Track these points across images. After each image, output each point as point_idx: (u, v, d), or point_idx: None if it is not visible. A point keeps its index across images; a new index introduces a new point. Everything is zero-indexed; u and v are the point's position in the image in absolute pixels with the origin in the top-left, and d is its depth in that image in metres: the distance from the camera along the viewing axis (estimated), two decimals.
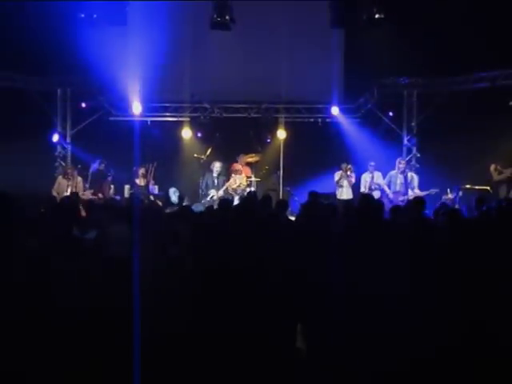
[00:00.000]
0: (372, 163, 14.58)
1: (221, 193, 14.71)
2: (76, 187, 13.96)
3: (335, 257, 4.89)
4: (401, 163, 14.11)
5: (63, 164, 16.16)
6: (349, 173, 14.53)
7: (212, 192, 14.83)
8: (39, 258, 4.17)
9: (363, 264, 4.63)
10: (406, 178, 13.82)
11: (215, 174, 15.06)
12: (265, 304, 4.61)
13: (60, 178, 14.31)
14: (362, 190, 14.48)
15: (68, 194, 13.54)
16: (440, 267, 4.62)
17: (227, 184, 14.94)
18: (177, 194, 12.27)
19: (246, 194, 13.95)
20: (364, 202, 6.66)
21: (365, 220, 5.54)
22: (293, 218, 9.17)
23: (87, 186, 14.38)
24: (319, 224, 5.97)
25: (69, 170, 14.47)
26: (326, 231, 5.67)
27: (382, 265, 4.58)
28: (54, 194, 13.61)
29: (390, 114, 16.46)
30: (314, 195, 8.77)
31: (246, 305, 4.48)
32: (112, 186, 14.72)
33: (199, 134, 16.70)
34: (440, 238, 5.34)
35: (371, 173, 14.55)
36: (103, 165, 14.94)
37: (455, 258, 4.78)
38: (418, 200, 8.12)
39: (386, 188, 14.00)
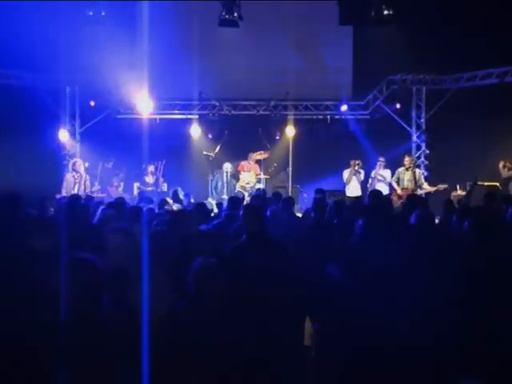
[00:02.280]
0: (381, 159, 14.47)
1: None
2: (84, 185, 13.84)
3: (348, 254, 4.88)
4: (405, 160, 14.05)
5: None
6: (357, 168, 14.44)
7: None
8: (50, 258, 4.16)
9: (376, 261, 4.59)
10: (414, 174, 13.77)
11: (226, 176, 15.06)
12: (272, 302, 4.60)
13: (68, 175, 14.10)
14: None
15: (75, 191, 13.42)
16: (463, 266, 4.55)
17: (237, 184, 14.99)
18: (182, 193, 12.24)
19: (255, 191, 13.95)
20: (373, 199, 6.67)
21: (373, 217, 5.51)
22: (301, 215, 9.17)
23: (96, 183, 14.40)
24: (330, 221, 5.96)
25: (76, 162, 14.15)
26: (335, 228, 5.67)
27: (397, 262, 4.55)
28: (63, 192, 13.49)
29: (398, 105, 16.38)
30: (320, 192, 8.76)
31: (253, 303, 4.46)
32: (122, 184, 14.74)
33: (210, 136, 16.69)
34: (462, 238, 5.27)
35: (380, 170, 14.45)
36: (111, 163, 14.95)
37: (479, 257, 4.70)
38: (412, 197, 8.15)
39: (395, 185, 13.95)
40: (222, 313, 4.01)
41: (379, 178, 14.20)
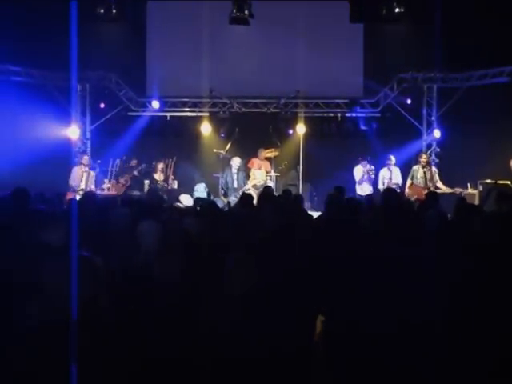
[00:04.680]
0: (389, 161, 14.44)
1: (246, 188, 14.79)
2: (90, 180, 14.02)
3: (361, 251, 4.85)
4: (422, 157, 14.03)
5: None
6: (370, 173, 14.46)
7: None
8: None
9: (393, 259, 4.57)
10: (429, 172, 13.74)
11: (234, 170, 15.10)
12: (283, 298, 4.59)
13: (75, 168, 14.27)
14: (380, 186, 14.38)
15: (83, 184, 13.84)
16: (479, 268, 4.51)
17: (249, 181, 15.04)
18: (207, 189, 12.26)
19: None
20: (388, 197, 6.65)
21: (391, 215, 5.50)
22: (312, 213, 9.15)
23: (106, 180, 14.50)
24: (345, 219, 5.94)
25: (84, 157, 14.47)
26: (351, 226, 5.64)
27: (415, 260, 4.52)
28: (71, 183, 13.83)
29: (408, 101, 16.34)
30: (339, 190, 8.75)
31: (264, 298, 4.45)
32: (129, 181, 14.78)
33: (221, 134, 16.69)
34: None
35: (389, 169, 14.43)
36: (135, 161, 15.02)
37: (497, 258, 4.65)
38: (432, 194, 8.11)
39: (410, 182, 13.96)
40: (247, 309, 4.01)
41: (394, 186, 14.10)
